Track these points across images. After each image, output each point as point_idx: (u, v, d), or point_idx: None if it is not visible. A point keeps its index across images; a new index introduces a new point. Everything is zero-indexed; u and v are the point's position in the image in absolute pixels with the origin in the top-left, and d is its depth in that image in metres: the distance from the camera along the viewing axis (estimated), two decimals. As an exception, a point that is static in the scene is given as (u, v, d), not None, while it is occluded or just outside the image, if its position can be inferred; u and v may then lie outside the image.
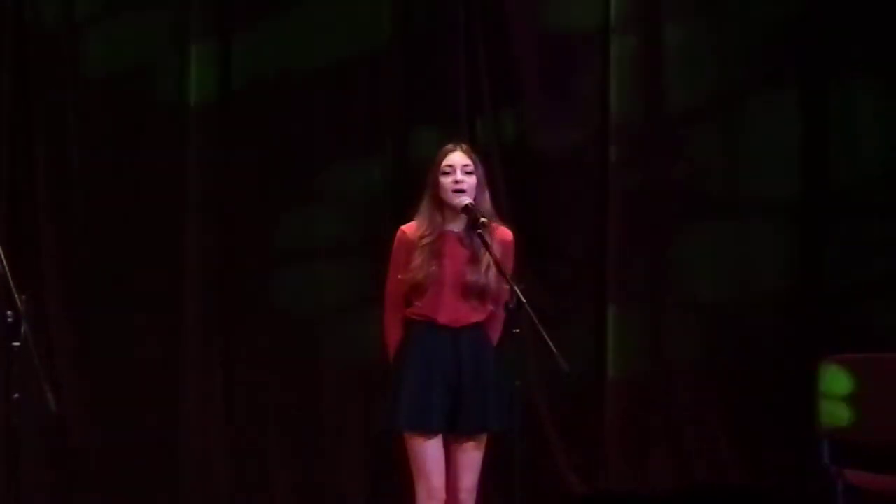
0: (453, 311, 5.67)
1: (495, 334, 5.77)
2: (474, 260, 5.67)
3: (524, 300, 5.37)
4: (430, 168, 5.76)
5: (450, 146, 5.80)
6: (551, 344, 5.30)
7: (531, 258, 6.02)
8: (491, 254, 5.58)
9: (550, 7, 7.80)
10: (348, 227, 7.62)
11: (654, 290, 7.87)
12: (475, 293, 5.67)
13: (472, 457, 5.73)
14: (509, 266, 5.70)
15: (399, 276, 5.73)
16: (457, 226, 5.71)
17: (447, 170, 5.71)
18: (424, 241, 5.69)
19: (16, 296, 5.31)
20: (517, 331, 5.45)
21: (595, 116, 7.80)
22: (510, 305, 5.42)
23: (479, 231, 5.58)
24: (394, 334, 5.80)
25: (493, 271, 5.62)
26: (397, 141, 7.62)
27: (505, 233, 5.79)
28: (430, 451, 5.66)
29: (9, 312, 5.28)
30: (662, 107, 7.86)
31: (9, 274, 5.38)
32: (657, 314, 7.87)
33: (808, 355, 7.06)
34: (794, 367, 7.65)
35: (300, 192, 7.61)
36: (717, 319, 7.93)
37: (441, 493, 5.67)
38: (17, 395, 5.29)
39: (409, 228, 5.77)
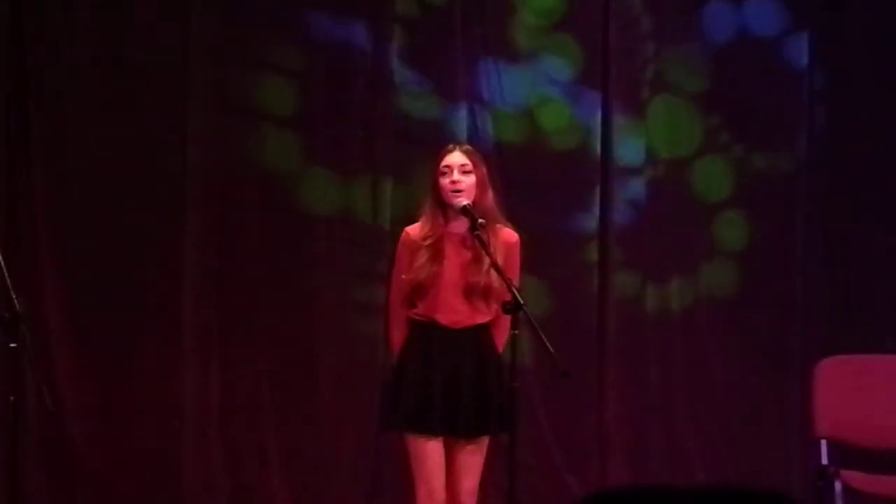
0: (454, 313, 5.64)
1: (502, 339, 5.70)
2: (477, 261, 5.62)
3: (522, 301, 5.37)
4: (431, 169, 5.74)
5: (450, 146, 5.78)
6: (549, 345, 5.30)
7: (530, 259, 5.98)
8: (489, 254, 5.54)
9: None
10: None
11: (654, 290, 7.87)
12: (478, 294, 5.63)
13: (472, 460, 5.71)
14: (514, 268, 5.68)
15: (403, 277, 5.71)
16: (459, 226, 5.68)
17: (445, 170, 5.68)
18: (427, 241, 5.67)
19: (13, 295, 5.31)
20: (516, 332, 5.44)
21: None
22: (508, 307, 5.41)
23: (477, 232, 5.55)
24: (397, 335, 5.77)
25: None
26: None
27: (510, 234, 5.75)
28: (430, 453, 5.64)
29: (6, 314, 5.28)
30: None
31: (6, 273, 5.37)
32: (657, 315, 7.87)
33: (808, 355, 7.06)
34: (793, 367, 7.65)
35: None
36: (717, 319, 7.93)
37: (441, 495, 5.65)
38: (13, 398, 5.30)
39: (413, 229, 5.75)
